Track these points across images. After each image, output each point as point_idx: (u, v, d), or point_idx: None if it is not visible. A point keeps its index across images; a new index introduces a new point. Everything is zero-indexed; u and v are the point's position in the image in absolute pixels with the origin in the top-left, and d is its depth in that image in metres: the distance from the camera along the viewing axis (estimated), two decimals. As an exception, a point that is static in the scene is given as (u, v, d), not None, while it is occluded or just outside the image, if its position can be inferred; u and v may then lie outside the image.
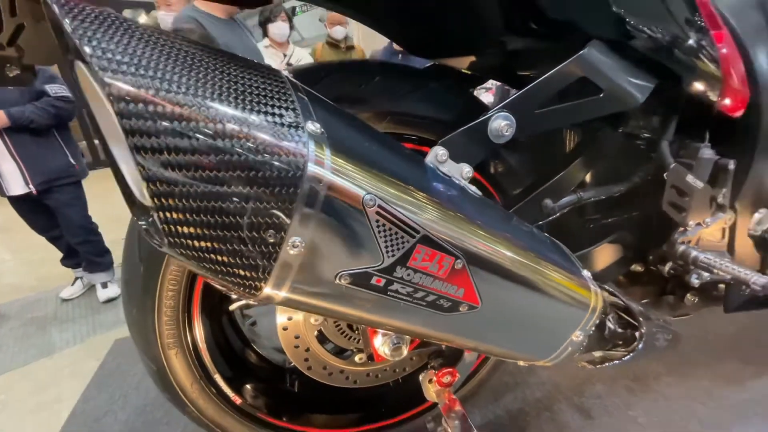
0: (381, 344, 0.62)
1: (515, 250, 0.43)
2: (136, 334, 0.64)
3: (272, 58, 2.51)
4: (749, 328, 1.27)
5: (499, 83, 2.77)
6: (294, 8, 5.90)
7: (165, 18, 2.19)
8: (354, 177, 0.33)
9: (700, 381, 1.09)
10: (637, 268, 0.80)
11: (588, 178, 0.69)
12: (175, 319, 0.63)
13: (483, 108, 0.71)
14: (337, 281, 0.33)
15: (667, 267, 0.75)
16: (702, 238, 0.72)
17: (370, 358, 0.73)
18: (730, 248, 0.76)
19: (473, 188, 0.47)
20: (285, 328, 0.69)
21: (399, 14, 0.68)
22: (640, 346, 0.58)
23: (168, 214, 0.28)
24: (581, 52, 0.51)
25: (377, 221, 0.33)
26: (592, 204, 0.70)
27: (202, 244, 0.29)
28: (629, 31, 0.52)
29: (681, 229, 0.70)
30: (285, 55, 2.55)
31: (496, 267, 0.41)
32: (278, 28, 2.45)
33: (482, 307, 0.39)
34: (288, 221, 0.30)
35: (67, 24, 0.27)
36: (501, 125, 0.49)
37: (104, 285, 2.12)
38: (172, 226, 0.29)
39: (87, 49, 0.26)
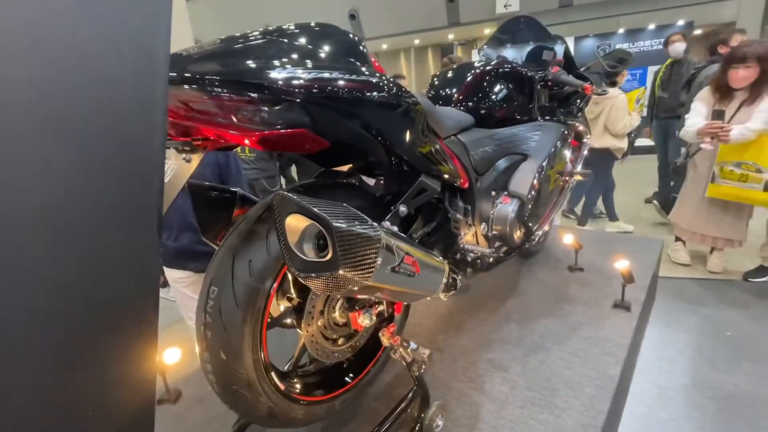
0: (361, 320, 1.24)
1: (424, 254, 1.16)
2: (232, 359, 1.05)
3: None
4: (487, 296, 2.38)
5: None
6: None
7: None
8: (390, 241, 0.98)
9: (468, 329, 2.07)
10: (449, 257, 1.66)
11: (422, 222, 1.51)
12: (258, 342, 1.09)
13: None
14: (386, 271, 0.98)
15: (458, 255, 1.64)
16: (466, 240, 1.65)
17: (350, 337, 1.33)
18: (477, 242, 1.73)
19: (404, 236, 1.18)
20: (308, 333, 1.22)
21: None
22: (458, 286, 1.41)
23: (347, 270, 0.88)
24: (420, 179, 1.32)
25: (396, 252, 1.00)
26: (425, 233, 1.51)
27: (355, 271, 0.90)
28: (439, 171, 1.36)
29: (459, 237, 1.60)
30: None
31: (420, 260, 1.12)
32: None
33: (420, 273, 1.10)
34: (378, 252, 0.94)
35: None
36: (402, 210, 1.24)
37: None
38: (348, 270, 0.88)
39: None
